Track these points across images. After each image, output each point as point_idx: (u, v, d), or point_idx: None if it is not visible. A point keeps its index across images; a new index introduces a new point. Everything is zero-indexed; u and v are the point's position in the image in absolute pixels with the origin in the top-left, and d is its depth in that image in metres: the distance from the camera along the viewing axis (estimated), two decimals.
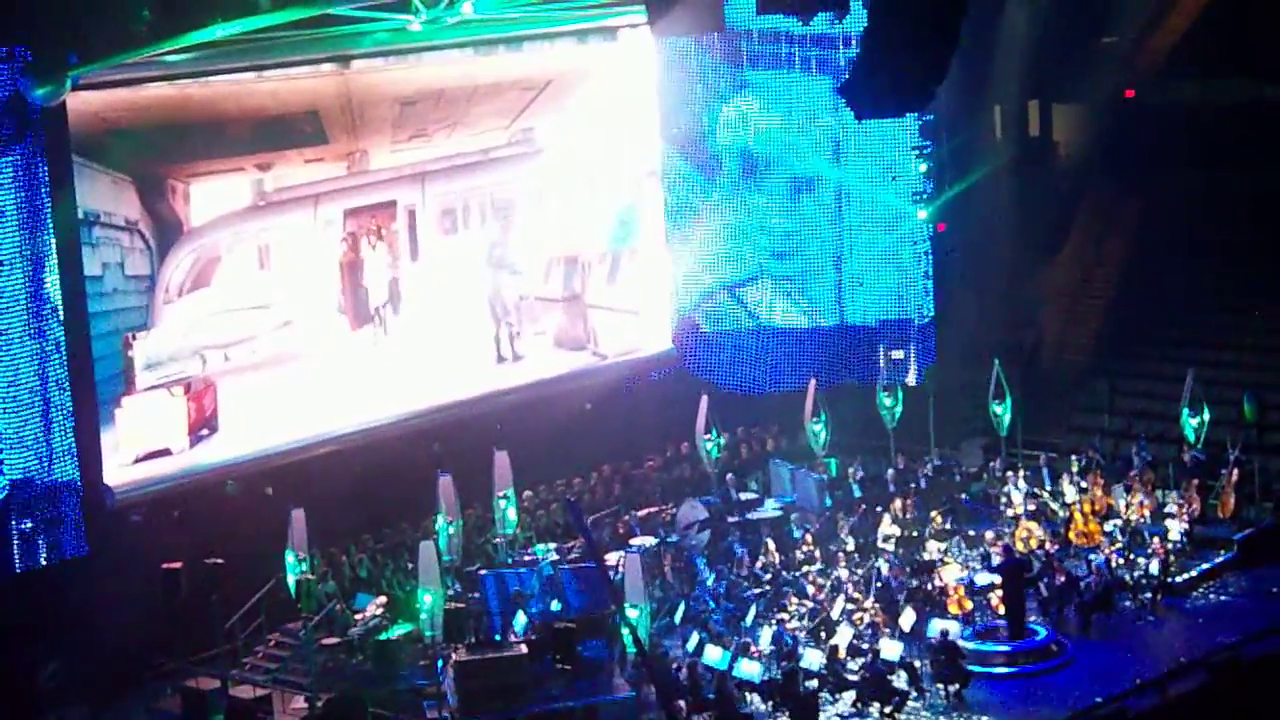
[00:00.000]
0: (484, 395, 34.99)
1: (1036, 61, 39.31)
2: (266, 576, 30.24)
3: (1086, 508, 32.82)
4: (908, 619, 29.05)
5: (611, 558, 30.33)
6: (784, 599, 30.56)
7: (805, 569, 31.29)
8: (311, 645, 28.68)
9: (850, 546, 31.88)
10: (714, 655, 27.76)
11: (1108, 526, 32.26)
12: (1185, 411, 33.93)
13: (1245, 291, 38.47)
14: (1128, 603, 30.55)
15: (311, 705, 27.37)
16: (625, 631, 27.24)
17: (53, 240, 28.55)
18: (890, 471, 34.84)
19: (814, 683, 27.62)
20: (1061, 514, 32.89)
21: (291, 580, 30.05)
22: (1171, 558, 31.08)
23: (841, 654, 28.10)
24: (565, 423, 35.57)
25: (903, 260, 37.30)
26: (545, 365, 36.03)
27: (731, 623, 29.62)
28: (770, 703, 27.30)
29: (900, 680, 27.69)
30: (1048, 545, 31.28)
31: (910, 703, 27.52)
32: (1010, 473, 34.29)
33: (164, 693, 28.59)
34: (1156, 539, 31.28)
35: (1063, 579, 30.13)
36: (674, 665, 27.89)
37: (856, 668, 27.86)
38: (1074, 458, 34.36)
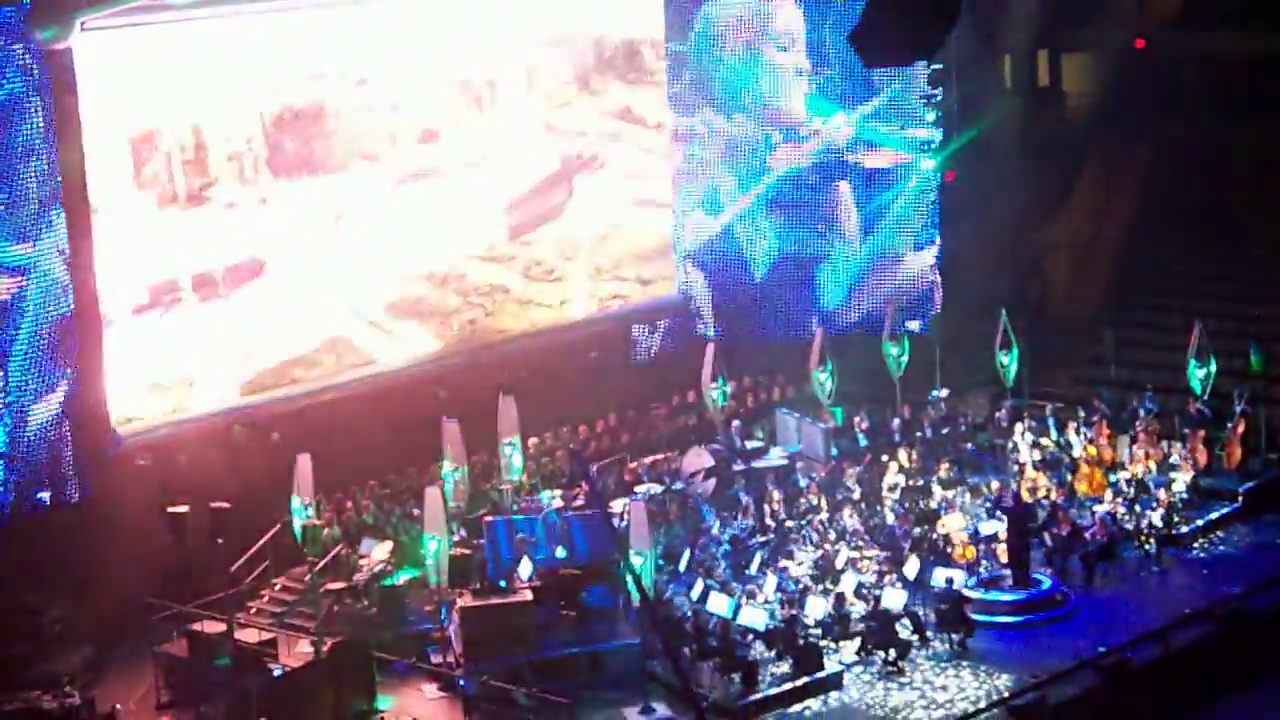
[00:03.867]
0: (491, 342, 34.97)
1: (1046, 10, 39.15)
2: (272, 521, 30.32)
3: (1092, 458, 32.83)
4: (912, 568, 29.09)
5: (617, 505, 30.38)
6: (789, 547, 30.64)
7: (810, 518, 31.32)
8: (317, 590, 28.73)
9: (855, 495, 31.90)
10: (719, 603, 27.81)
11: (1113, 477, 32.25)
12: (1192, 362, 33.89)
13: (1254, 243, 38.41)
14: (1132, 553, 30.59)
15: (317, 649, 27.43)
16: (629, 579, 27.28)
17: (60, 182, 28.56)
18: (896, 421, 34.84)
19: (818, 631, 27.70)
20: (1067, 464, 32.87)
21: (297, 525, 30.13)
22: (1176, 509, 31.11)
23: (846, 602, 28.14)
24: (572, 370, 35.58)
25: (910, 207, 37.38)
26: (552, 312, 35.98)
27: (736, 570, 29.66)
28: (774, 650, 27.36)
29: (904, 629, 27.76)
30: (1053, 496, 31.29)
31: (914, 651, 27.61)
32: (1016, 423, 34.27)
33: (169, 636, 28.64)
34: (1162, 490, 31.31)
35: (1067, 529, 30.16)
36: (679, 612, 27.95)
37: (861, 616, 27.90)
38: (1080, 408, 34.33)
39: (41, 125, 28.29)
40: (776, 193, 37.63)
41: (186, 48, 30.47)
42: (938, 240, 37.52)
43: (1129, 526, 30.70)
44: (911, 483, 32.33)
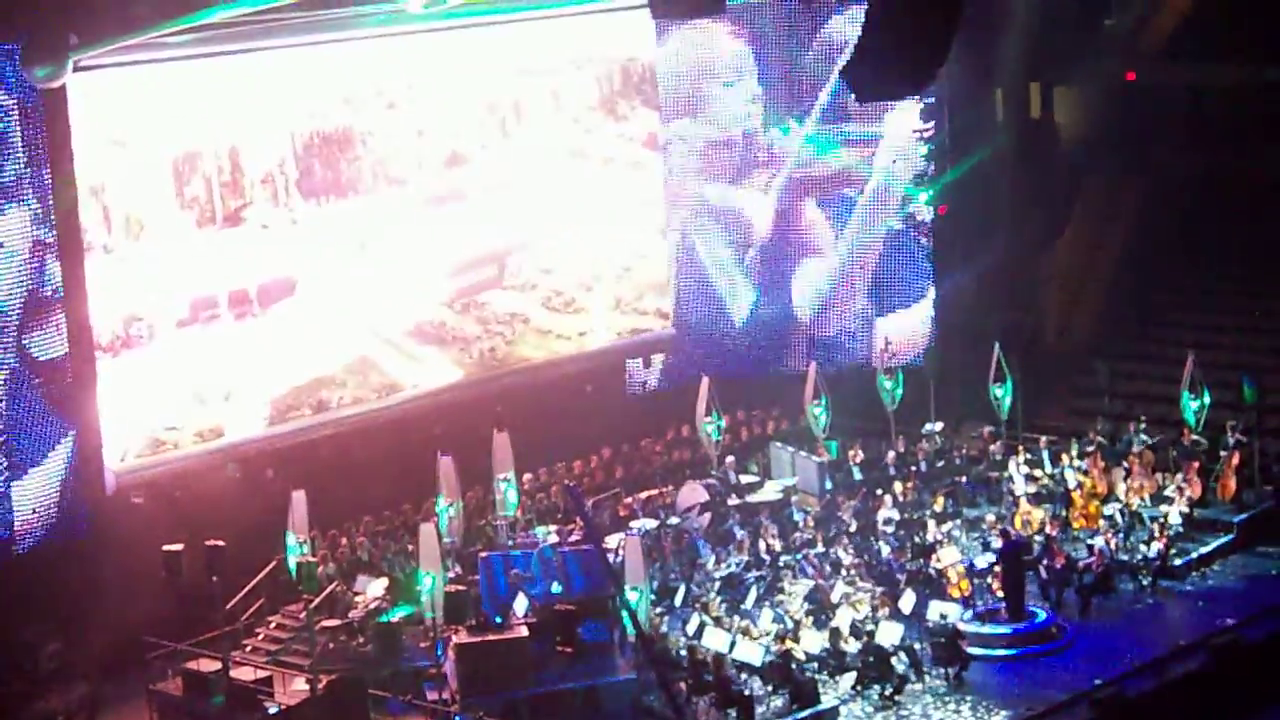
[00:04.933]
0: (485, 377, 34.96)
1: (1038, 43, 39.24)
2: (267, 558, 30.30)
3: (1087, 489, 32.85)
4: (908, 602, 29.08)
5: (612, 540, 30.37)
6: (783, 581, 30.63)
7: (805, 552, 31.31)
8: (312, 627, 28.71)
9: (851, 529, 31.90)
10: (714, 637, 27.77)
11: (1107, 509, 32.27)
12: (1185, 394, 33.91)
13: (1246, 274, 38.49)
14: (1127, 585, 30.61)
15: (312, 687, 27.38)
16: (625, 614, 27.28)
17: (53, 220, 28.60)
18: (890, 454, 34.85)
19: (813, 665, 27.67)
20: (1061, 497, 32.88)
21: (292, 562, 30.10)
22: (1171, 540, 31.11)
23: (841, 638, 28.11)
24: (566, 405, 35.59)
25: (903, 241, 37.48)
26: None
27: (731, 605, 29.64)
28: (770, 685, 27.34)
29: (900, 663, 27.73)
30: (1048, 528, 31.29)
31: (910, 685, 27.58)
32: (1011, 456, 34.28)
33: (165, 674, 28.61)
34: (1156, 522, 31.32)
35: (1062, 562, 30.17)
36: (674, 647, 27.93)
37: (856, 650, 27.88)
38: (1074, 440, 34.37)
39: (28, 164, 28.37)
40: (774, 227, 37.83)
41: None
42: (931, 274, 37.57)
43: (1124, 559, 30.71)
44: (907, 516, 32.33)
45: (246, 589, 29.83)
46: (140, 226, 30.23)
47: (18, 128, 28.12)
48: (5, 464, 28.26)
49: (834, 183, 37.54)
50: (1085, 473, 33.26)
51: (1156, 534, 30.92)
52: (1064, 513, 32.45)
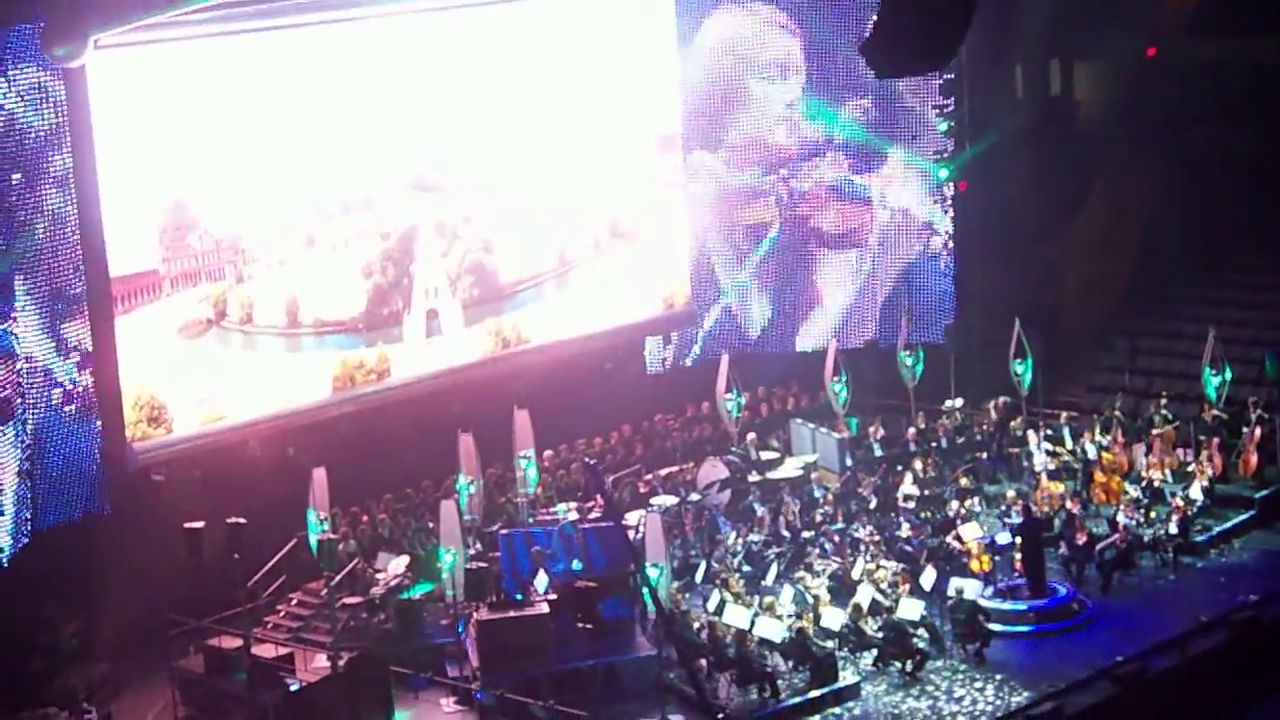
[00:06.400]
0: (505, 355, 34.93)
1: (1058, 19, 39.13)
2: (288, 536, 30.37)
3: (1108, 465, 32.80)
4: (929, 578, 29.09)
5: (632, 517, 30.39)
6: (805, 558, 30.64)
7: (825, 529, 31.31)
8: (333, 604, 28.78)
9: (871, 506, 31.90)
10: (735, 614, 27.79)
11: (1128, 485, 32.22)
12: (1207, 370, 33.87)
13: (1268, 250, 38.37)
14: (1148, 561, 30.58)
15: (333, 664, 27.46)
16: (645, 591, 27.31)
17: (75, 199, 28.63)
18: (911, 431, 34.83)
19: (833, 642, 27.69)
20: (1082, 473, 32.84)
21: (313, 539, 30.16)
22: (1192, 516, 31.07)
23: (862, 614, 28.12)
24: (586, 382, 35.59)
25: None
26: (565, 325, 35.93)
27: (752, 581, 29.66)
28: (791, 661, 27.36)
29: (921, 639, 27.74)
30: (1069, 504, 31.25)
31: (931, 661, 27.59)
32: (1031, 432, 34.24)
33: (186, 652, 28.69)
34: (1177, 498, 31.27)
35: (1084, 538, 30.15)
36: (695, 624, 27.95)
37: (877, 627, 27.90)
38: (1095, 416, 34.30)
39: (51, 144, 28.43)
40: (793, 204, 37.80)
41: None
42: (951, 250, 37.49)
43: (1145, 535, 30.67)
44: (927, 493, 32.32)
45: (268, 566, 29.93)
46: None
47: (40, 106, 28.17)
48: (29, 442, 28.32)
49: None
50: (1106, 449, 33.21)
51: (1177, 510, 30.87)
52: (1084, 490, 32.40)
